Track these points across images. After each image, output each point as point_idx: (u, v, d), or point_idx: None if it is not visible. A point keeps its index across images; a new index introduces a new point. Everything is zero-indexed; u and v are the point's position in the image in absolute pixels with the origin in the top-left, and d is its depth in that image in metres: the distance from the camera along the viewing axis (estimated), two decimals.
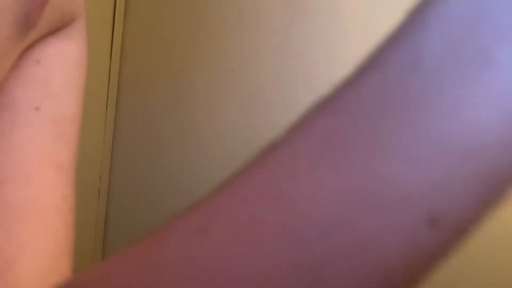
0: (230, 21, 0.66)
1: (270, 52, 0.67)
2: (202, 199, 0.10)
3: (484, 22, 0.09)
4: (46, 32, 0.18)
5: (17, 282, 0.15)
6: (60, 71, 0.18)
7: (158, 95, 0.66)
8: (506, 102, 0.08)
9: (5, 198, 0.16)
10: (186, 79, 0.67)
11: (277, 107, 0.65)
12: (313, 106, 0.10)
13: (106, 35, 0.58)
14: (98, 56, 0.57)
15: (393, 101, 0.09)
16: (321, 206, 0.09)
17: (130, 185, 0.74)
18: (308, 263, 0.09)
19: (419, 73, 0.09)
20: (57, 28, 0.19)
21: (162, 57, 0.66)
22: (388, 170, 0.09)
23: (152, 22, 0.65)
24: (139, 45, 0.65)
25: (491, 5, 0.09)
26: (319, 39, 0.64)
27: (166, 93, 0.67)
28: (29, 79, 0.18)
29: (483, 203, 0.09)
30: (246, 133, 0.67)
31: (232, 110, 0.69)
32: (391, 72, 0.09)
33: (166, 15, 0.63)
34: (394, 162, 0.09)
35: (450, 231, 0.09)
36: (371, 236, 0.09)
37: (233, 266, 0.09)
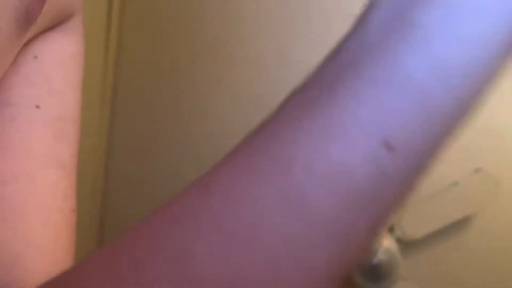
0: (230, 20, 0.66)
1: (271, 51, 0.66)
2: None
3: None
4: (45, 28, 0.18)
5: (24, 277, 0.15)
6: (58, 68, 0.18)
7: (155, 94, 0.66)
8: (429, 49, 0.10)
9: (10, 198, 0.16)
10: (184, 78, 0.67)
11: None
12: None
13: (101, 30, 0.57)
14: (93, 53, 0.56)
15: (350, 67, 0.11)
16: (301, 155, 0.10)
17: (126, 186, 0.73)
18: (297, 194, 0.10)
19: (367, 46, 0.11)
20: (56, 24, 0.18)
21: (160, 55, 0.66)
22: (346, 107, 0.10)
23: (150, 18, 0.65)
24: (136, 42, 0.65)
25: None
26: (322, 41, 0.64)
27: (163, 92, 0.67)
28: (28, 75, 0.17)
29: (434, 136, 0.11)
30: (248, 132, 0.67)
31: (232, 110, 0.69)
32: (352, 49, 0.11)
33: (165, 12, 0.63)
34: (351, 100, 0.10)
35: (406, 157, 0.10)
36: (340, 164, 0.10)
37: (234, 223, 0.10)
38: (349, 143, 0.10)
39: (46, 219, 0.16)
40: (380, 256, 0.49)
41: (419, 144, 0.10)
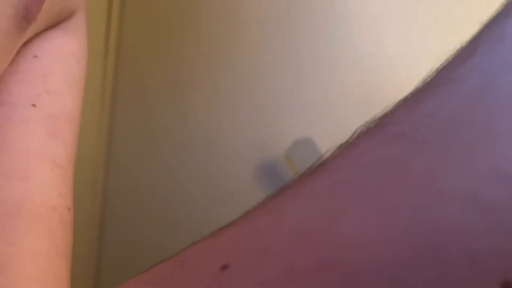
0: (231, 18, 0.66)
1: (273, 50, 0.66)
2: (227, 229, 0.09)
3: None
4: (45, 26, 0.18)
5: (13, 283, 0.15)
6: (58, 67, 0.18)
7: (157, 92, 0.66)
8: None
9: (0, 197, 0.16)
10: (185, 77, 0.67)
11: (282, 105, 0.65)
12: (362, 129, 0.09)
13: (101, 30, 0.57)
14: (92, 52, 0.56)
15: (457, 130, 0.08)
16: (366, 257, 0.07)
17: (126, 187, 0.73)
18: None
19: (493, 96, 0.07)
20: (56, 22, 0.18)
21: (160, 54, 0.66)
22: (449, 215, 0.07)
23: (150, 17, 0.65)
24: (136, 41, 0.65)
25: None
26: (324, 40, 0.64)
27: (165, 91, 0.67)
28: (26, 74, 0.17)
29: None
30: (247, 132, 0.67)
31: (233, 109, 0.69)
32: (459, 94, 0.08)
33: (165, 11, 0.63)
34: (457, 204, 0.07)
35: None
36: None
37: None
38: None
39: (38, 218, 0.16)
40: None
41: None
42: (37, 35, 0.18)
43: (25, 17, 0.15)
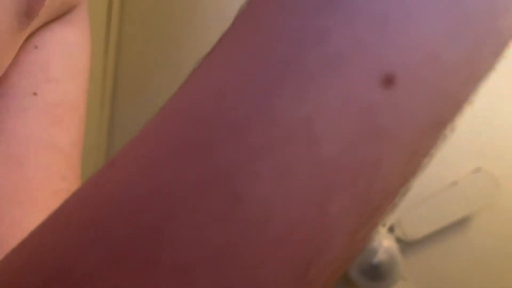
0: (231, 17, 0.65)
1: None
2: None
3: None
4: (47, 19, 0.18)
5: None
6: (59, 56, 0.18)
7: (157, 91, 0.66)
8: None
9: None
10: (188, 72, 0.67)
11: None
12: None
13: (102, 26, 0.57)
14: (93, 50, 0.56)
15: None
16: (229, 99, 0.07)
17: None
18: (219, 174, 0.07)
19: None
20: (59, 15, 0.18)
21: (161, 51, 0.66)
22: (310, 22, 0.07)
23: (151, 13, 0.64)
24: (136, 38, 0.65)
25: None
26: None
27: (165, 90, 0.67)
28: (27, 64, 0.17)
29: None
30: None
31: None
32: None
33: (166, 8, 0.63)
34: (319, 11, 0.07)
35: (406, 93, 0.07)
36: (295, 121, 0.07)
37: (135, 194, 0.08)
38: None
39: (37, 202, 0.16)
40: (380, 256, 0.49)
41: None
42: (39, 27, 0.18)
43: (28, 13, 0.15)
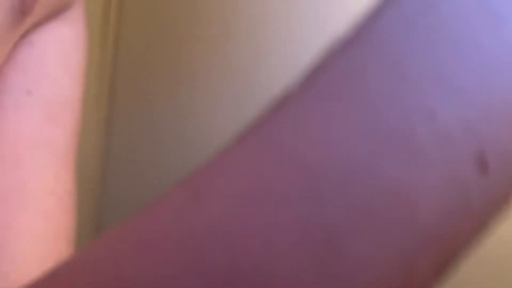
0: (231, 17, 0.66)
1: (273, 50, 0.66)
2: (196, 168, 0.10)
3: None
4: (42, 17, 0.18)
5: (12, 267, 0.15)
6: (54, 53, 0.18)
7: (155, 92, 0.65)
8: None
9: None
10: (185, 75, 0.67)
11: None
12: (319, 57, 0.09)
13: (98, 24, 0.57)
14: (90, 49, 0.56)
15: (416, 32, 0.08)
16: (335, 152, 0.08)
17: (125, 186, 0.73)
18: (321, 225, 0.08)
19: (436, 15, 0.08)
20: (54, 14, 0.18)
21: (160, 52, 0.65)
22: (419, 100, 0.07)
23: (149, 13, 0.64)
24: (135, 36, 0.65)
25: None
26: (323, 40, 0.63)
27: (164, 87, 0.67)
28: (22, 62, 0.17)
29: None
30: None
31: (233, 109, 0.69)
32: (408, 9, 0.08)
33: (165, 7, 0.63)
34: (427, 90, 0.07)
35: (501, 177, 0.08)
36: (400, 187, 0.07)
37: (229, 232, 0.08)
38: None
39: (32, 201, 0.16)
40: None
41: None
42: (35, 26, 0.18)
43: (22, 10, 0.15)
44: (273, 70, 0.66)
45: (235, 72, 0.67)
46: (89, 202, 0.72)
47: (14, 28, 0.16)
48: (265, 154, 0.08)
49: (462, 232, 0.08)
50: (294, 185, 0.08)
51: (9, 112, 0.17)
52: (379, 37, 0.08)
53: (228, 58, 0.66)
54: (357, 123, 0.08)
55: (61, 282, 0.09)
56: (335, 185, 0.08)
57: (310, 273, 0.08)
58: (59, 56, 0.18)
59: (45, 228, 0.16)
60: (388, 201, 0.07)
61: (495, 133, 0.07)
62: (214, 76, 0.67)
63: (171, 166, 0.70)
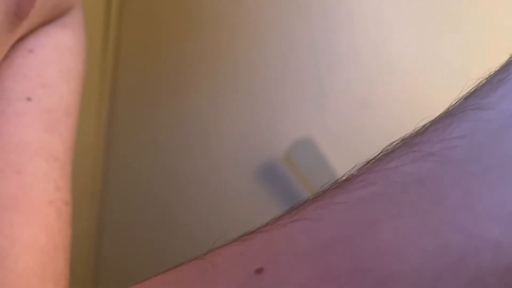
0: (231, 18, 0.65)
1: (273, 50, 0.66)
2: (256, 234, 0.10)
3: None
4: (40, 22, 0.18)
5: (10, 276, 0.15)
6: (54, 60, 0.18)
7: (156, 92, 0.66)
8: None
9: None
10: (185, 76, 0.67)
11: (282, 105, 0.65)
12: (389, 147, 0.10)
13: (99, 27, 0.57)
14: (91, 50, 0.56)
15: (490, 153, 0.08)
16: (402, 264, 0.08)
17: (126, 188, 0.73)
18: None
19: None
20: (52, 18, 0.18)
21: (160, 53, 0.65)
22: (483, 231, 0.07)
23: (150, 13, 0.64)
24: (135, 38, 0.65)
25: None
26: (323, 40, 0.63)
27: (164, 91, 0.67)
28: (21, 69, 0.17)
29: None
30: (247, 132, 0.67)
31: (233, 109, 0.69)
32: (491, 120, 0.08)
33: (165, 8, 0.63)
34: (489, 221, 0.07)
35: None
36: None
37: None
38: None
39: (34, 212, 0.16)
40: None
41: None
42: (33, 30, 0.18)
43: (17, 13, 0.15)
44: (274, 72, 0.66)
45: (237, 74, 0.67)
46: (89, 203, 0.71)
47: (9, 32, 0.15)
48: (333, 243, 0.09)
49: None
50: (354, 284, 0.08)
51: (10, 119, 0.17)
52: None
53: (230, 60, 0.66)
54: (425, 240, 0.08)
55: None
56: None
57: None
58: (59, 64, 0.18)
59: (45, 239, 0.16)
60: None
61: None
62: (215, 78, 0.67)
63: (172, 167, 0.70)
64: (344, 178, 0.10)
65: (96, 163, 0.71)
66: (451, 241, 0.08)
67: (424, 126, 0.09)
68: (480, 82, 0.10)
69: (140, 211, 0.72)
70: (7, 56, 0.17)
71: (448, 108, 0.10)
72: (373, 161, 0.10)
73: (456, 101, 0.10)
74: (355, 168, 0.10)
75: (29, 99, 0.17)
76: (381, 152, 0.10)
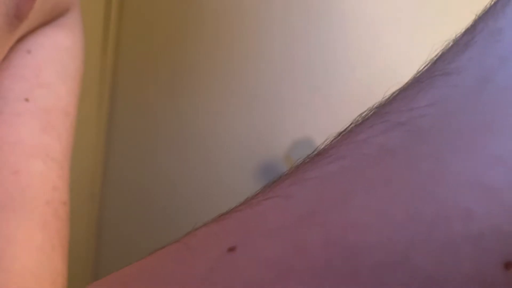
0: (231, 18, 0.66)
1: (273, 51, 0.66)
2: (231, 214, 0.10)
3: None
4: (38, 23, 0.18)
5: (6, 276, 0.15)
6: (51, 61, 0.18)
7: (156, 92, 0.66)
8: None
9: None
10: (185, 76, 0.67)
11: (282, 105, 0.65)
12: (359, 119, 0.09)
13: (99, 28, 0.57)
14: (90, 50, 0.56)
15: (458, 121, 0.08)
16: (374, 236, 0.08)
17: (126, 188, 0.73)
18: None
19: (493, 88, 0.08)
20: (51, 19, 0.18)
21: (160, 52, 0.65)
22: (454, 198, 0.08)
23: (149, 14, 0.64)
24: (135, 39, 0.65)
25: None
26: (322, 40, 0.63)
27: (164, 90, 0.67)
28: (19, 69, 0.17)
29: None
30: (247, 132, 0.67)
31: (233, 109, 0.69)
32: (458, 86, 0.08)
33: (165, 8, 0.63)
34: (460, 189, 0.08)
35: None
36: (430, 279, 0.08)
37: None
38: None
39: (31, 212, 0.16)
40: None
41: None
42: (31, 31, 0.18)
43: (16, 15, 0.15)
44: (274, 72, 0.66)
45: (237, 74, 0.67)
46: (88, 204, 0.71)
47: (8, 33, 0.15)
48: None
49: None
50: (331, 260, 0.08)
51: (8, 119, 0.16)
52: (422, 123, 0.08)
53: (229, 61, 0.66)
54: (397, 210, 0.08)
55: None
56: (369, 267, 0.08)
57: None
58: (56, 64, 0.18)
59: (42, 239, 0.16)
60: None
61: None
62: (215, 79, 0.67)
63: (171, 167, 0.70)
64: (315, 152, 0.10)
65: (95, 164, 0.71)
66: (422, 211, 0.08)
67: (393, 94, 0.09)
68: (447, 45, 0.09)
69: (139, 212, 0.72)
70: (5, 56, 0.17)
71: (416, 74, 0.09)
72: (344, 133, 0.10)
73: (424, 65, 0.09)
74: (327, 141, 0.10)
75: (26, 99, 0.17)
76: (351, 123, 0.10)
